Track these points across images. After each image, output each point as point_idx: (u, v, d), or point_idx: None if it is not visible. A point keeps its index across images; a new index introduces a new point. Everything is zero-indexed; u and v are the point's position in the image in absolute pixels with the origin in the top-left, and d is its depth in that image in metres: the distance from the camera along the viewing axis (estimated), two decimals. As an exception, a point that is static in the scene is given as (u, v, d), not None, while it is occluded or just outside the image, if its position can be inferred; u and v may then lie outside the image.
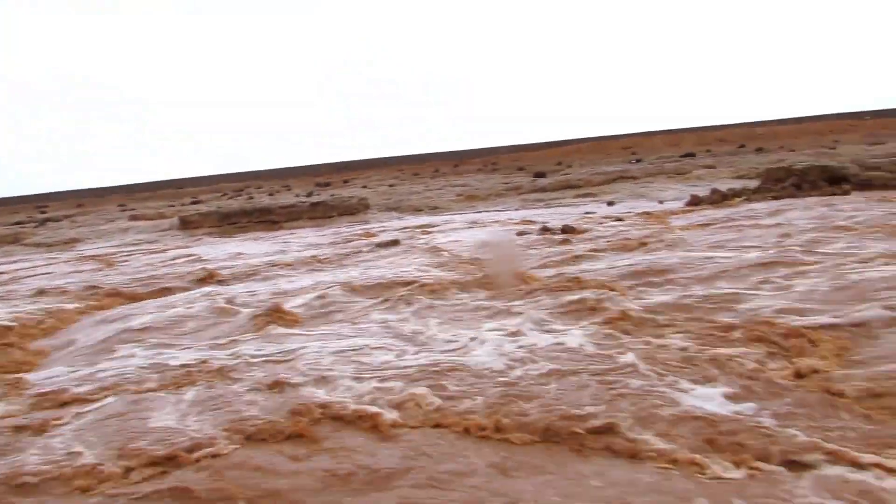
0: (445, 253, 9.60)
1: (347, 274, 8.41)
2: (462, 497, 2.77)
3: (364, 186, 32.39)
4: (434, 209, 19.34)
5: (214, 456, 3.31)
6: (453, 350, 4.67)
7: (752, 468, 2.77)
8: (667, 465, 2.86)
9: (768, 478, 2.70)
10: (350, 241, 12.63)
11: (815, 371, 3.68)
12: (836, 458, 2.76)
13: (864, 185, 12.97)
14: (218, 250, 13.15)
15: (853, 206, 10.35)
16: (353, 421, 3.63)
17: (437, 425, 3.50)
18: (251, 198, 30.60)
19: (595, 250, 8.44)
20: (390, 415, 3.63)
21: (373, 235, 13.39)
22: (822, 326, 4.36)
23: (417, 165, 51.45)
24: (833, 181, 13.37)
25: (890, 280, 5.24)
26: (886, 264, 5.79)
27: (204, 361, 4.89)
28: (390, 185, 31.50)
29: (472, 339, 4.89)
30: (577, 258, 8.07)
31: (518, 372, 4.06)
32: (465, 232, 12.58)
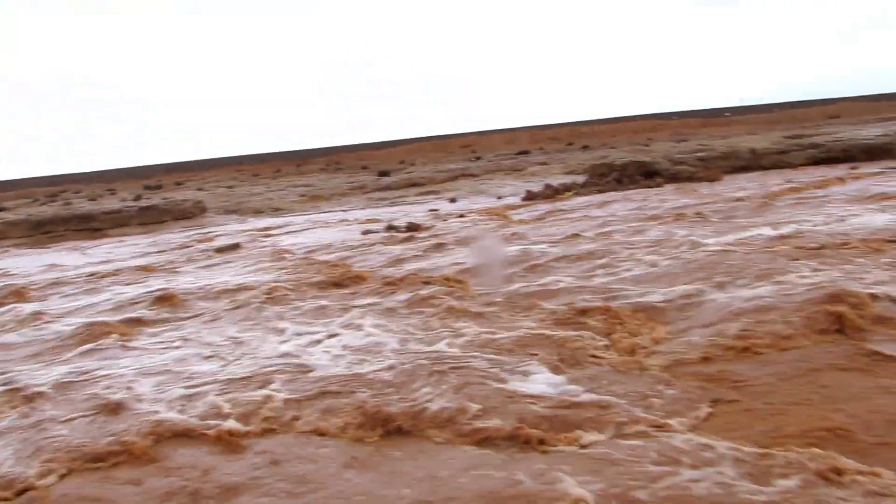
0: (289, 255, 9.35)
1: (184, 281, 7.91)
2: (317, 499, 2.72)
3: (200, 188, 30.59)
4: (277, 211, 18.75)
5: (29, 490, 2.97)
6: (295, 353, 4.56)
7: (573, 440, 2.97)
8: (501, 444, 3.00)
9: (593, 447, 2.92)
10: (186, 247, 11.88)
11: (634, 347, 4.06)
12: (652, 426, 3.05)
13: (673, 178, 14.49)
14: (28, 263, 11.79)
15: (663, 197, 11.51)
16: (195, 436, 3.42)
17: (284, 430, 3.40)
18: (68, 203, 27.71)
19: (439, 246, 8.65)
20: (235, 425, 3.47)
21: (211, 240, 12.69)
22: (641, 306, 4.82)
23: (258, 165, 49.53)
24: (648, 175, 14.78)
25: (695, 262, 5.90)
26: (692, 249, 6.51)
27: (14, 388, 4.36)
28: (229, 187, 30.04)
29: (315, 340, 4.82)
30: (423, 254, 8.22)
31: (360, 369, 4.05)
32: (311, 233, 12.34)
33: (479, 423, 3.18)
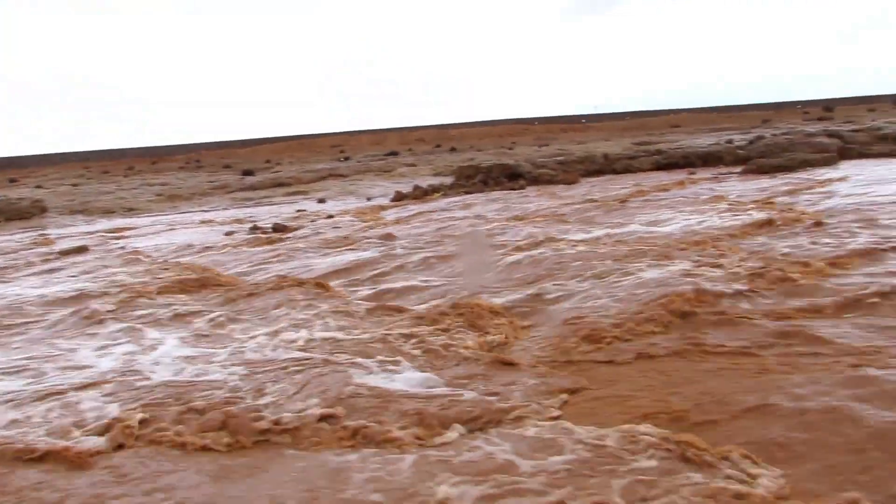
0: (144, 258, 8.78)
1: (17, 289, 7.19)
2: (173, 516, 2.59)
3: (38, 186, 27.83)
4: (130, 211, 17.48)
5: None
6: (141, 363, 4.30)
7: (440, 436, 3.06)
8: (367, 445, 3.02)
9: (460, 443, 3.03)
10: (21, 251, 10.78)
11: (496, 343, 4.24)
12: (515, 417, 3.20)
13: (535, 180, 15.20)
14: None
15: (525, 199, 12.04)
16: (37, 457, 3.13)
17: (136, 444, 3.21)
18: None
19: (307, 248, 8.49)
20: (79, 440, 3.22)
21: (52, 242, 11.61)
22: (502, 303, 5.03)
23: (107, 162, 45.86)
24: (512, 177, 15.39)
25: (553, 261, 6.24)
26: (550, 247, 6.89)
27: None
28: (73, 185, 27.59)
29: (169, 346, 4.57)
30: (289, 256, 8.04)
31: (217, 376, 3.91)
32: (169, 234, 11.64)
33: (344, 425, 3.17)
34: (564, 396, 3.41)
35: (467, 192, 14.42)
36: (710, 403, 3.14)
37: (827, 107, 43.28)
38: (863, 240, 6.12)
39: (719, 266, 5.51)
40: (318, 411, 3.30)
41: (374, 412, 3.29)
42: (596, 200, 11.11)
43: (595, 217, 9.24)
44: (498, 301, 5.14)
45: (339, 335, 4.55)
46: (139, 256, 8.92)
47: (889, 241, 5.91)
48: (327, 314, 5.06)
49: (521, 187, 14.51)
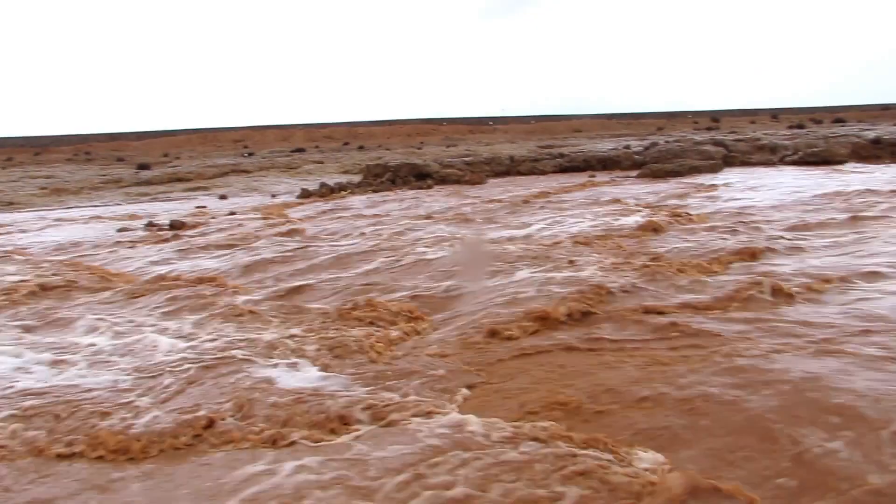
0: (25, 256, 8.17)
1: None
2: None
3: None
4: (10, 205, 16.19)
5: None
6: (23, 367, 4.03)
7: (341, 434, 3.05)
8: (262, 446, 2.97)
9: (361, 440, 3.03)
10: None
11: (400, 339, 4.27)
12: (417, 412, 3.24)
13: (442, 180, 15.35)
14: None
15: (433, 198, 12.14)
16: None
17: (11, 456, 2.99)
18: None
19: (207, 245, 8.19)
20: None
21: (-84, 238, 10.57)
22: (407, 300, 5.07)
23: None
24: (420, 177, 15.47)
25: (457, 258, 6.34)
26: (456, 245, 6.99)
27: None
28: (-58, 176, 25.22)
29: (54, 351, 4.30)
30: (187, 254, 7.73)
31: (106, 379, 3.72)
32: (55, 230, 10.88)
33: (240, 426, 3.10)
34: (465, 391, 3.48)
35: (375, 191, 14.37)
36: (603, 395, 3.29)
37: (714, 117, 46.29)
38: (742, 239, 6.61)
39: (614, 264, 5.78)
40: (204, 413, 3.20)
41: (268, 413, 3.23)
42: (502, 201, 11.37)
43: (500, 217, 9.45)
44: (401, 298, 5.16)
45: (240, 333, 4.43)
46: (19, 254, 8.29)
47: (764, 242, 6.43)
48: (229, 312, 4.90)
49: (429, 187, 14.62)
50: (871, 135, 19.10)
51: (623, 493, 2.41)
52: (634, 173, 15.51)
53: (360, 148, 33.72)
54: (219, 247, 8.07)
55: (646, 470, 2.57)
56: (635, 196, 11.26)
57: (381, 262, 6.53)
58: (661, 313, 4.42)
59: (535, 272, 5.59)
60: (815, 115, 42.51)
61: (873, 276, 5.09)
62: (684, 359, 3.60)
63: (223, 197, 15.36)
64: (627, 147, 21.70)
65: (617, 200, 10.68)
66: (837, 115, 41.49)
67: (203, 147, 39.00)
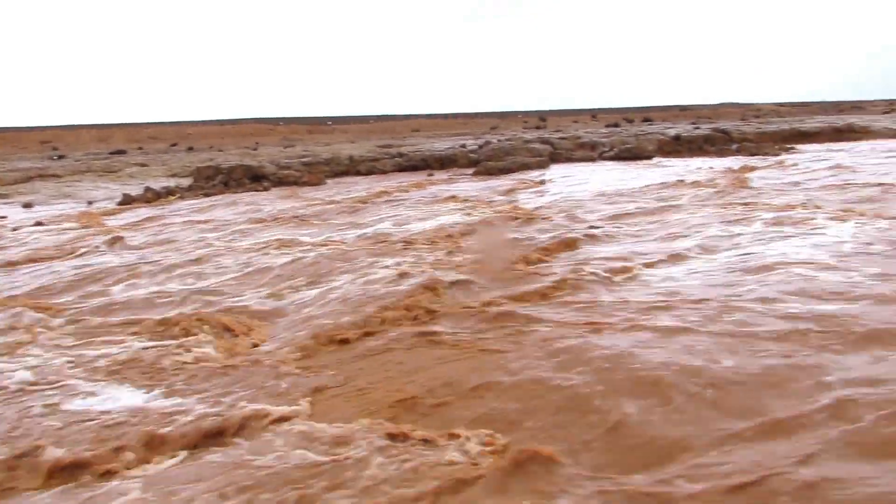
0: None
1: None
2: None
3: None
4: None
5: None
6: None
7: (161, 458, 2.89)
8: (73, 477, 2.74)
9: (186, 462, 2.88)
10: None
11: (239, 349, 4.11)
12: (257, 422, 3.14)
13: (280, 182, 14.92)
14: None
15: (269, 201, 11.77)
16: None
17: None
18: None
19: (9, 263, 7.31)
20: None
21: None
22: (244, 308, 4.88)
23: None
24: (255, 179, 14.91)
25: (294, 263, 6.21)
26: (292, 250, 6.84)
27: None
28: None
29: None
30: (-15, 271, 6.84)
31: None
32: None
33: (46, 459, 2.81)
34: (307, 397, 3.43)
35: (207, 195, 13.62)
36: (441, 388, 3.40)
37: (542, 117, 49.28)
38: (566, 230, 7.12)
39: (449, 260, 5.97)
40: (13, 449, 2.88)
41: (88, 441, 2.97)
42: (341, 202, 11.28)
43: (338, 218, 9.37)
44: (239, 305, 4.96)
45: (52, 355, 4.01)
46: None
47: (585, 231, 6.98)
48: (38, 334, 4.41)
49: (266, 189, 14.14)
50: (672, 132, 21.37)
51: (453, 478, 2.51)
52: (470, 171, 16.10)
53: (190, 149, 31.77)
54: (23, 262, 7.23)
55: (480, 453, 2.69)
56: (470, 193, 11.70)
57: (213, 269, 6.22)
58: (492, 305, 4.63)
59: (374, 273, 5.62)
60: (627, 115, 46.71)
61: (677, 258, 5.72)
62: (515, 346, 3.81)
63: (28, 205, 13.76)
64: (463, 146, 22.45)
65: (454, 198, 11.03)
66: (646, 115, 45.95)
67: (2, 149, 34.64)
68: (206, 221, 9.54)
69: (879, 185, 9.51)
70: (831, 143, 20.40)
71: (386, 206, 10.55)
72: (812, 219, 7.11)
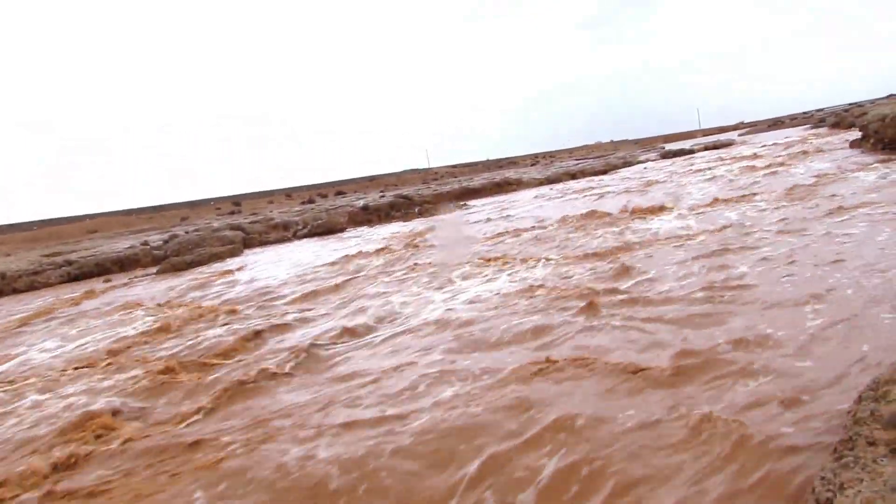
0: None
1: None
2: None
3: None
4: None
5: None
6: None
7: None
8: None
9: None
10: None
11: None
12: None
13: None
14: None
15: None
16: None
17: None
18: None
19: None
20: None
21: None
22: None
23: None
24: None
25: None
26: None
27: None
28: None
29: None
30: None
31: None
32: None
33: None
34: None
35: None
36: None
37: (236, 201, 48.03)
38: (255, 324, 6.73)
39: (119, 381, 5.18)
40: None
41: None
42: (-17, 332, 9.30)
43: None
44: None
45: None
46: None
47: (267, 321, 6.68)
48: None
49: None
50: (361, 203, 22.41)
51: None
52: (154, 269, 14.76)
53: None
54: None
55: None
56: (153, 295, 10.61)
57: None
58: (148, 437, 4.00)
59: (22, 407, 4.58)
60: (321, 191, 48.04)
61: (351, 333, 5.73)
62: (172, 480, 3.32)
63: None
64: (146, 243, 20.60)
65: (134, 304, 9.86)
66: (339, 188, 47.80)
67: None
68: None
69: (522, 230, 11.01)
70: (496, 196, 23.46)
71: (46, 325, 8.98)
72: (482, 272, 7.86)
